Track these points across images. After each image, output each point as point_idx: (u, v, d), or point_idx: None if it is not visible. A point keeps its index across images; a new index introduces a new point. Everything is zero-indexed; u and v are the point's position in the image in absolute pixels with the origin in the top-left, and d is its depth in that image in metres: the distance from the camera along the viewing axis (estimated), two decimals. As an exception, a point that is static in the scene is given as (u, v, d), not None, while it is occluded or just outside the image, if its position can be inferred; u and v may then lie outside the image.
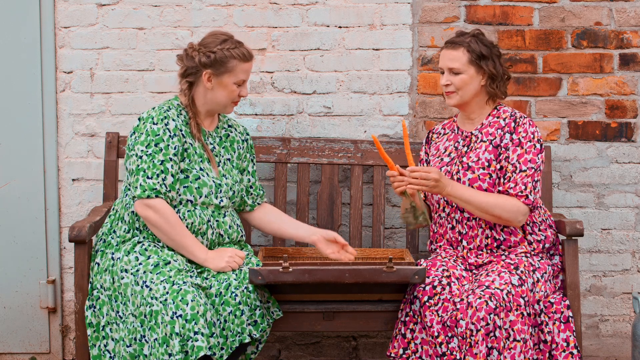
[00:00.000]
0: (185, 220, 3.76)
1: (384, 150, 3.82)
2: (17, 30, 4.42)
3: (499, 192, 3.80)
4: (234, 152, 3.96)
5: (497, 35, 4.45)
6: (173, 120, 3.76)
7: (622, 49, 4.46)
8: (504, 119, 3.89)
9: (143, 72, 4.46)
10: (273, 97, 4.49)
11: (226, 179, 3.87)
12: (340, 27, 4.47)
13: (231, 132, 3.98)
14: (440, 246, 3.98)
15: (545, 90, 4.48)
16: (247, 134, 4.03)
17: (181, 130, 3.77)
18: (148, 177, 3.69)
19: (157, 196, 3.69)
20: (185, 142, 3.78)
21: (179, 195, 3.75)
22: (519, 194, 3.76)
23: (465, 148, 3.92)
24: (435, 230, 3.99)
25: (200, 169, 3.80)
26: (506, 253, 3.87)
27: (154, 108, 3.79)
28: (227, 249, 3.79)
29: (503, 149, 3.83)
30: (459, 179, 3.85)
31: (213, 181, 3.81)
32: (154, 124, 3.73)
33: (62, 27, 4.45)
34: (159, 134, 3.72)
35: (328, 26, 4.47)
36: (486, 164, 3.84)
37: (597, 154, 4.50)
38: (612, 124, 4.49)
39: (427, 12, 4.45)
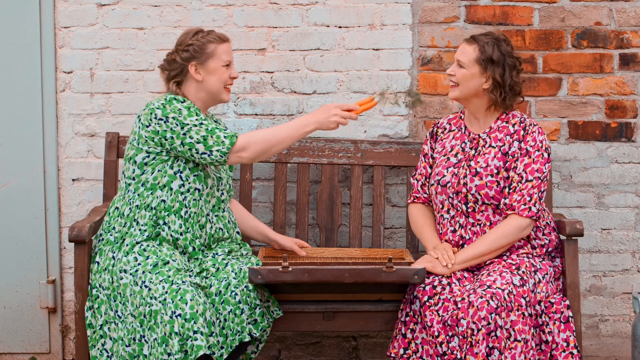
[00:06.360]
0: (190, 208, 3.76)
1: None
2: (17, 30, 4.42)
3: (504, 204, 3.78)
4: None
5: (497, 35, 4.45)
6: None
7: (622, 49, 4.46)
8: (513, 125, 3.85)
9: (143, 72, 4.46)
10: (273, 97, 4.49)
11: (223, 172, 3.91)
12: (340, 27, 4.47)
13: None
14: (440, 245, 3.97)
15: (545, 90, 4.48)
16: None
17: None
18: (224, 130, 3.72)
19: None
20: None
21: (189, 182, 3.76)
22: (522, 206, 3.75)
23: (473, 151, 3.88)
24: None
25: None
26: (507, 253, 3.86)
27: (160, 98, 3.78)
28: (329, 106, 3.76)
29: (511, 157, 3.81)
30: (465, 184, 3.81)
31: (214, 174, 3.83)
32: (181, 102, 3.75)
33: (62, 27, 4.45)
34: (191, 107, 3.75)
35: (328, 26, 4.47)
36: (495, 171, 3.80)
37: (597, 154, 4.50)
38: (612, 124, 4.49)
39: (427, 12, 4.45)
